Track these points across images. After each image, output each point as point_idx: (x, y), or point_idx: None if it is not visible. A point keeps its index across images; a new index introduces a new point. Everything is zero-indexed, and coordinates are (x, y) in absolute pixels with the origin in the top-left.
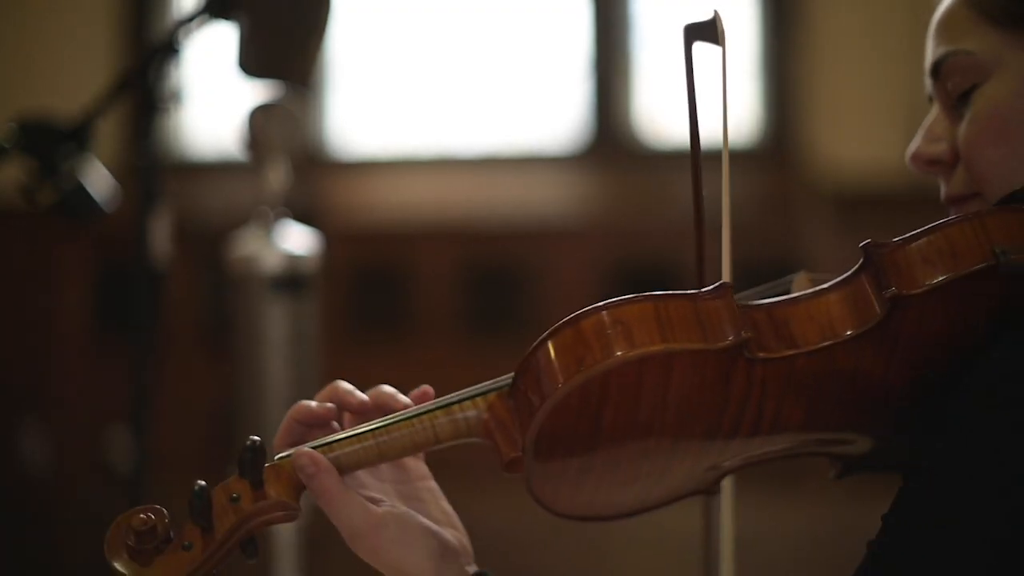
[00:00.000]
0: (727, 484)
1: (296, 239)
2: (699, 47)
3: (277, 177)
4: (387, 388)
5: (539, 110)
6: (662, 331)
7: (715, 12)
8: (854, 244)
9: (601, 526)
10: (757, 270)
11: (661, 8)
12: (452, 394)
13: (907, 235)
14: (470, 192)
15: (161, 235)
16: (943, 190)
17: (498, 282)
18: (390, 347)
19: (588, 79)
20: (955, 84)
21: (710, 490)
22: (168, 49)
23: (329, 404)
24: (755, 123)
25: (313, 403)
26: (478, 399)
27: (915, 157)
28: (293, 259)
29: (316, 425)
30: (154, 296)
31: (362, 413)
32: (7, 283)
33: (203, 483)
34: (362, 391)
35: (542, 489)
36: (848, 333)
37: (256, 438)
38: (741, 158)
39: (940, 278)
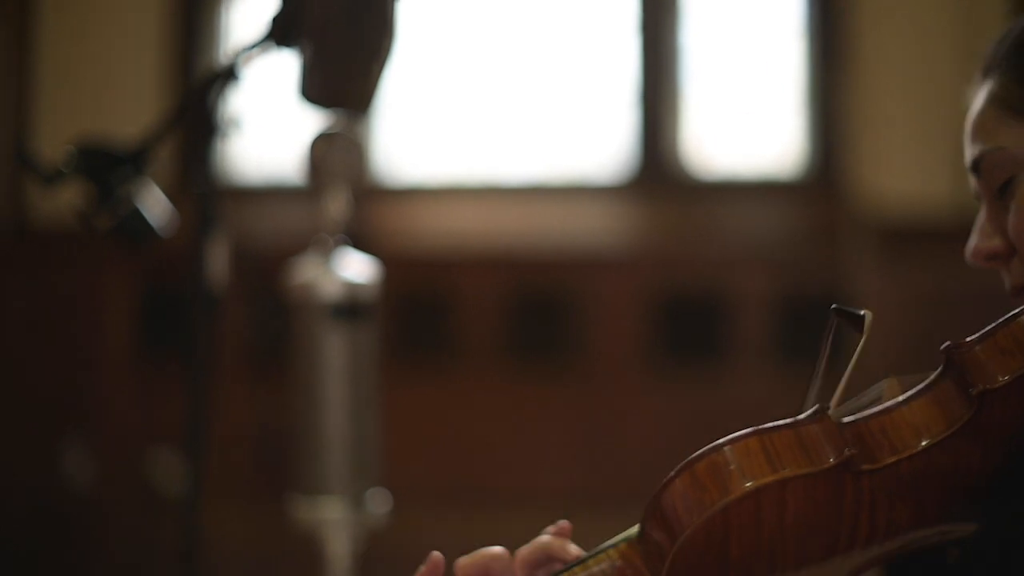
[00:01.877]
0: None
1: (355, 267)
2: (841, 329)
3: (337, 205)
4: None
5: (586, 139)
6: (771, 462)
7: (866, 314)
8: (900, 276)
9: None
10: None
11: (710, 38)
12: (590, 551)
13: (982, 332)
14: (517, 221)
15: (217, 260)
16: (1006, 281)
17: (544, 311)
18: (435, 373)
19: (636, 108)
20: (994, 179)
21: None
22: (228, 75)
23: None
24: (801, 155)
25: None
26: (610, 551)
27: (974, 255)
28: (352, 287)
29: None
30: (209, 320)
31: None
32: (56, 304)
33: None
34: (410, 418)
35: None
36: (942, 434)
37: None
38: (786, 190)
39: (1021, 369)
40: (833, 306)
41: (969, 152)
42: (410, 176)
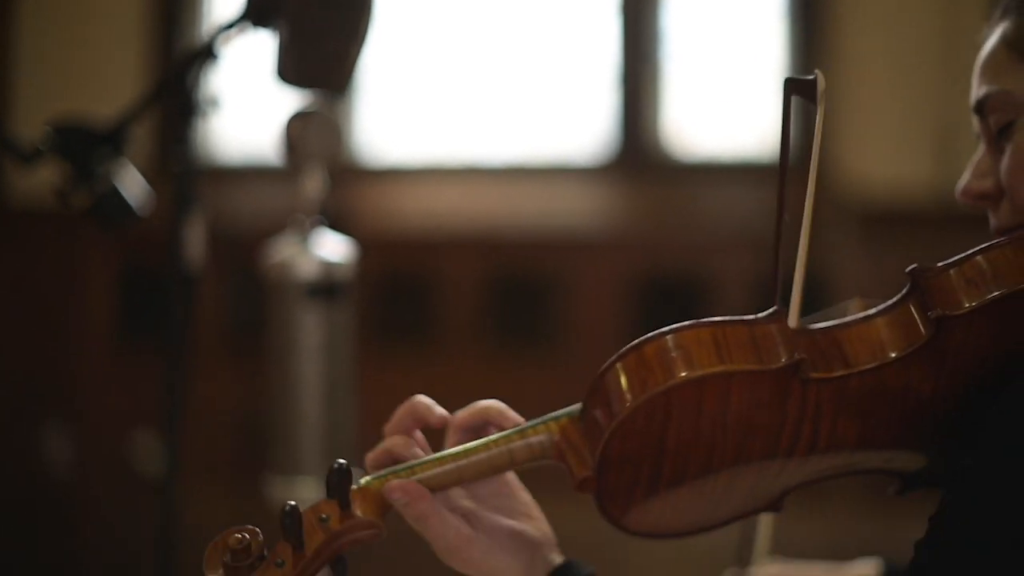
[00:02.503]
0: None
1: (332, 246)
2: (796, 100)
3: (314, 185)
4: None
5: (567, 121)
6: (720, 354)
7: (817, 73)
8: (881, 260)
9: (624, 540)
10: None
11: (691, 20)
12: (529, 421)
13: (952, 259)
14: (497, 202)
15: (194, 240)
16: (992, 223)
17: (524, 292)
18: (414, 354)
19: (616, 90)
20: (996, 120)
21: (775, 507)
22: (206, 54)
23: (440, 411)
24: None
25: (430, 404)
26: (551, 423)
27: (964, 192)
28: (329, 266)
29: (425, 427)
30: (186, 301)
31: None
32: (33, 285)
33: (294, 503)
34: (390, 399)
35: (612, 507)
36: (897, 353)
37: (343, 461)
38: (766, 172)
39: (983, 299)
40: (786, 77)
41: (975, 91)
42: (391, 157)
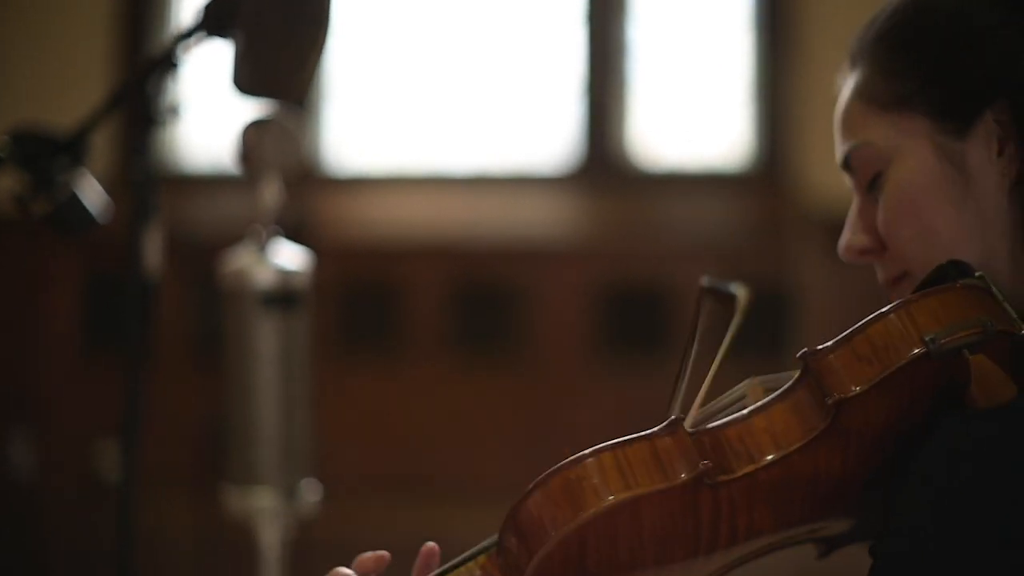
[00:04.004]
0: None
1: (288, 255)
2: (712, 307)
3: (270, 193)
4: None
5: (532, 130)
6: (624, 479)
7: (738, 291)
8: (844, 270)
9: None
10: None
11: (656, 31)
12: (450, 562)
13: (839, 337)
14: (462, 211)
15: (154, 248)
16: (879, 276)
17: (488, 301)
18: (379, 363)
19: (581, 100)
20: (863, 174)
21: None
22: (166, 63)
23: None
24: (747, 148)
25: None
26: (471, 564)
27: (847, 250)
28: (285, 275)
29: None
30: (146, 309)
31: None
32: None
33: None
34: (355, 408)
35: None
36: (799, 442)
37: None
38: (732, 183)
39: (876, 377)
40: (704, 280)
41: (838, 148)
42: (356, 166)
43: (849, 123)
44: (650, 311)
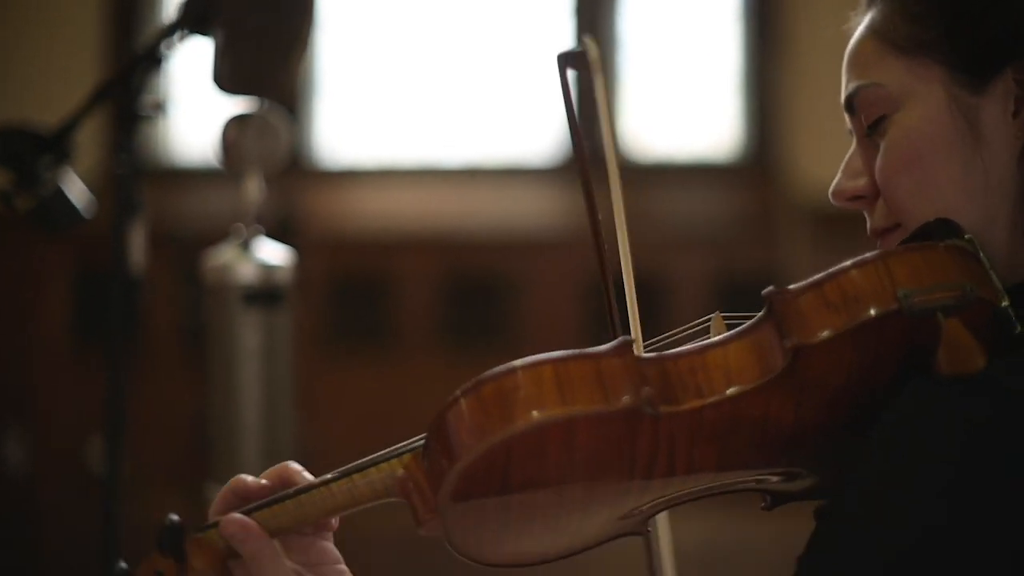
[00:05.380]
0: (663, 524)
1: (272, 250)
2: (573, 74)
3: (253, 189)
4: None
5: (522, 123)
6: (562, 395)
7: (586, 42)
8: (834, 262)
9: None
10: (738, 284)
11: (645, 22)
12: (369, 456)
13: (809, 280)
14: (451, 203)
15: (138, 244)
16: (868, 224)
17: (478, 294)
18: (371, 356)
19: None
20: (867, 115)
21: (639, 531)
22: (151, 59)
23: (264, 481)
24: (736, 139)
25: (249, 477)
26: (394, 460)
27: (837, 194)
28: (268, 270)
29: (251, 499)
30: (131, 304)
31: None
32: None
33: (124, 566)
34: (344, 409)
35: (464, 544)
36: (752, 383)
37: (174, 517)
38: (722, 173)
39: (842, 326)
40: (557, 53)
41: (844, 86)
42: (347, 159)
43: (860, 61)
44: (642, 301)
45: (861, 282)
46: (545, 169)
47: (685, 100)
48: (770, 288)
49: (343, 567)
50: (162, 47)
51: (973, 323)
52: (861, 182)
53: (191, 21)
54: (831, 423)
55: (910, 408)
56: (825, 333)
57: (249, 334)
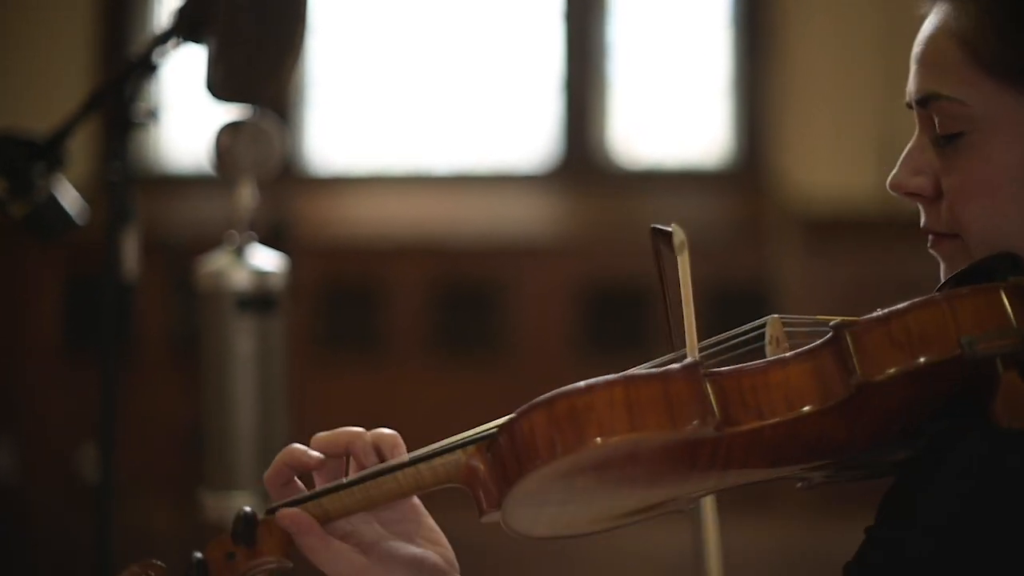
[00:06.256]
0: (709, 504)
1: (265, 257)
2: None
3: (246, 196)
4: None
5: (512, 129)
6: (632, 418)
7: (674, 227)
8: (825, 269)
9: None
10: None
11: (635, 28)
12: (437, 443)
13: (876, 316)
14: (442, 210)
15: (131, 250)
16: (923, 219)
17: (469, 300)
18: (362, 362)
19: (561, 98)
20: (943, 125)
21: (684, 508)
22: (144, 66)
23: (316, 453)
24: (727, 146)
25: (302, 448)
26: (458, 450)
27: (895, 186)
28: (261, 277)
29: (304, 471)
30: (123, 311)
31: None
32: None
33: (199, 555)
34: (335, 416)
35: (519, 524)
36: (812, 408)
37: (248, 508)
38: (712, 180)
39: (905, 365)
40: (651, 226)
41: (918, 83)
42: (338, 165)
43: (942, 66)
44: (630, 308)
45: (928, 323)
46: (535, 176)
47: (675, 107)
48: (839, 320)
49: (415, 502)
50: (155, 54)
51: None
52: (924, 181)
53: (184, 28)
54: (881, 436)
55: (972, 464)
56: (889, 371)
57: (242, 340)
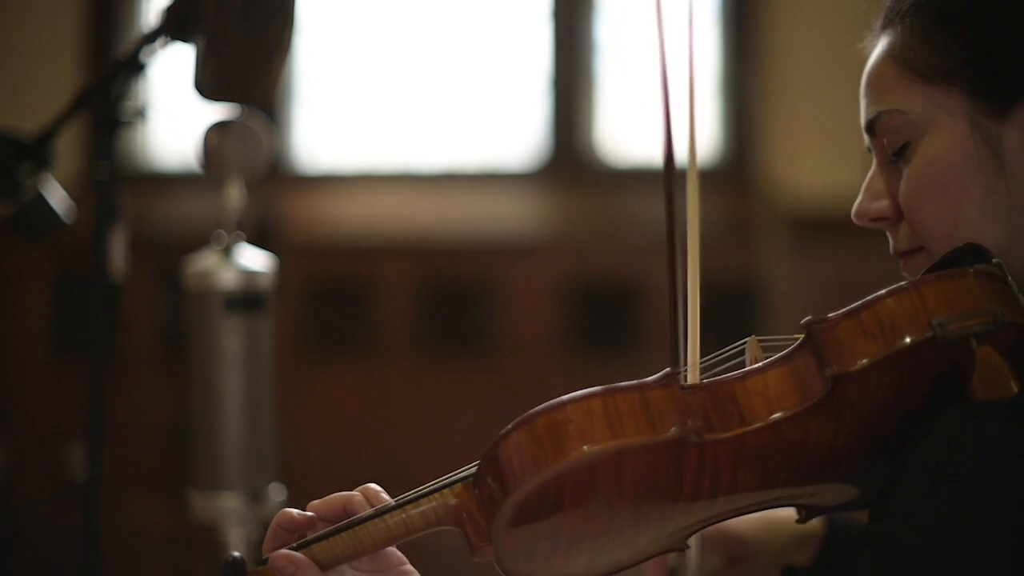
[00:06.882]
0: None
1: (253, 256)
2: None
3: (234, 195)
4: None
5: (499, 127)
6: (611, 427)
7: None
8: (813, 268)
9: None
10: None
11: (623, 27)
12: (423, 486)
13: (846, 309)
14: (431, 208)
15: (119, 250)
16: (891, 244)
17: (457, 298)
18: (350, 361)
19: (548, 97)
20: (890, 141)
21: (678, 547)
22: (132, 65)
23: (309, 513)
24: (714, 145)
25: (295, 511)
26: (445, 490)
27: (859, 215)
28: (249, 276)
29: (298, 531)
30: (111, 310)
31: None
32: None
33: (237, 554)
34: (324, 415)
35: (515, 566)
36: (792, 410)
37: (237, 554)
38: (699, 179)
39: (879, 354)
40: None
41: (865, 109)
42: (325, 164)
43: (881, 86)
44: (618, 306)
45: (897, 311)
46: (523, 174)
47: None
48: (809, 317)
49: (408, 567)
50: (143, 53)
51: (1004, 347)
52: (884, 204)
53: (172, 27)
54: (867, 443)
55: (951, 438)
56: (863, 361)
57: (230, 340)
